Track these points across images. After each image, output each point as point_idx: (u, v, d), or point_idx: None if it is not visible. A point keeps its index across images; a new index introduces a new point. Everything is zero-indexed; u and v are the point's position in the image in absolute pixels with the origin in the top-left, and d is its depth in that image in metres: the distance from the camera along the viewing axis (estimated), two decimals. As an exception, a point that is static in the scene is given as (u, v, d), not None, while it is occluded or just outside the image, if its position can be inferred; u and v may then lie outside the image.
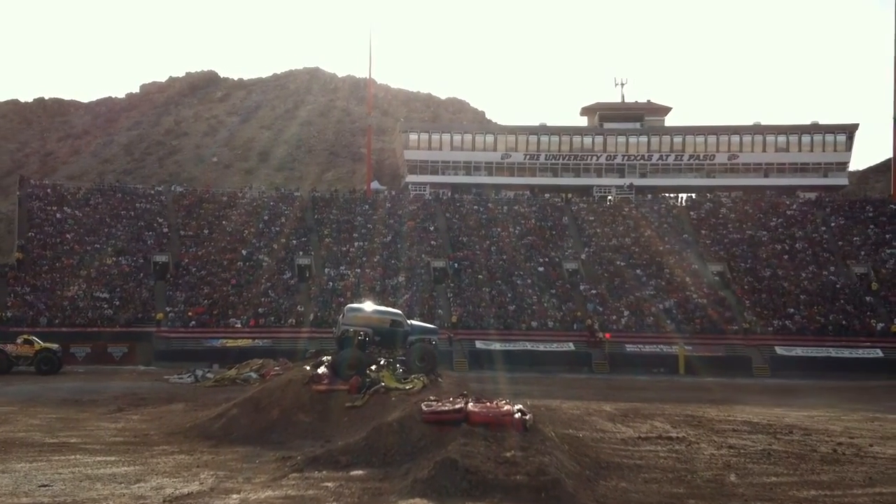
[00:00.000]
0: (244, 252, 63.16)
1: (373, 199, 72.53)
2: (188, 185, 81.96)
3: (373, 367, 24.92)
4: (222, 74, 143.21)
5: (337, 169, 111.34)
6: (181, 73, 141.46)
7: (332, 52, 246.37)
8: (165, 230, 65.60)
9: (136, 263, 61.23)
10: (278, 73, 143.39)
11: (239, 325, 55.76)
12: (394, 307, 56.69)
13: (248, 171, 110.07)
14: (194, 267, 61.39)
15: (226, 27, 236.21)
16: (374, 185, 79.48)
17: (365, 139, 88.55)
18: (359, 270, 61.84)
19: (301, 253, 64.19)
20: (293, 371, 26.53)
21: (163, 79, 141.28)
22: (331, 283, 60.28)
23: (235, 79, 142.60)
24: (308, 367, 25.41)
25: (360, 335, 26.68)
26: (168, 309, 56.64)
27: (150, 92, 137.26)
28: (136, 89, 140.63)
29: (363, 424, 20.00)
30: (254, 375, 38.81)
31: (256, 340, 54.04)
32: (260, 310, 57.00)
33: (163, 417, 26.92)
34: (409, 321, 28.93)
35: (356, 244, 65.17)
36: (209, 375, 42.32)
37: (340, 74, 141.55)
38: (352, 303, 36.53)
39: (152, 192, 71.75)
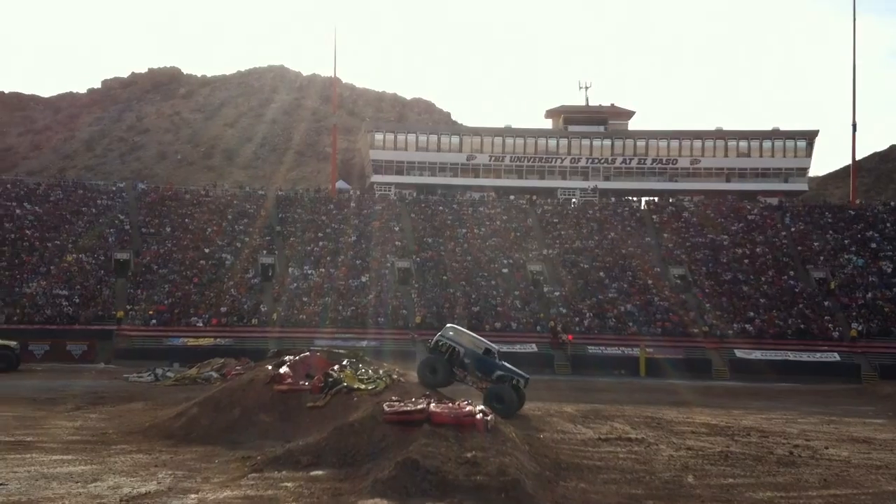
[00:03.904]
0: (207, 250, 62.69)
1: (338, 199, 72.33)
2: (151, 182, 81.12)
3: (336, 369, 24.89)
4: (186, 71, 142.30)
5: (302, 168, 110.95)
6: (144, 70, 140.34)
7: (297, 50, 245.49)
8: (127, 227, 64.92)
9: (96, 261, 60.54)
10: (243, 70, 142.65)
11: (201, 324, 55.34)
12: (361, 308, 56.92)
13: (212, 169, 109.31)
14: (156, 265, 60.83)
15: (190, 24, 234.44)
16: (340, 184, 79.26)
17: (330, 138, 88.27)
18: (323, 270, 61.63)
19: (265, 252, 63.85)
20: (255, 371, 26.44)
21: (125, 75, 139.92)
22: (295, 283, 60.01)
23: (199, 76, 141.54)
24: (270, 367, 25.34)
25: (453, 350, 27.86)
26: (129, 307, 56.04)
27: (113, 88, 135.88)
28: (97, 85, 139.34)
29: (325, 424, 19.96)
30: (215, 375, 38.62)
31: (218, 340, 53.66)
32: (222, 309, 56.61)
33: (122, 416, 26.69)
34: (503, 362, 29.33)
35: (321, 244, 64.95)
36: (169, 374, 42.01)
37: (306, 73, 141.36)
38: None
39: (114, 188, 70.95)
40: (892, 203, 75.51)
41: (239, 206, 69.09)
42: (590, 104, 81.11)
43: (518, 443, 18.68)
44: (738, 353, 55.46)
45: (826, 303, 60.58)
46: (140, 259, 61.38)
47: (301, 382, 23.80)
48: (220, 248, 63.50)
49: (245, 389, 23.88)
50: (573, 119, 78.96)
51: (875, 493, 17.96)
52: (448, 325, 31.24)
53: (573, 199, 74.65)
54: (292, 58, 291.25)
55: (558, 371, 53.06)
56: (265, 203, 70.09)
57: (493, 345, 30.13)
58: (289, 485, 15.95)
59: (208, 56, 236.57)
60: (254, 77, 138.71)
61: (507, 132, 77.22)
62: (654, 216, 71.58)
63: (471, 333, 31.46)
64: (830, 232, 68.30)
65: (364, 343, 51.18)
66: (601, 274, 63.06)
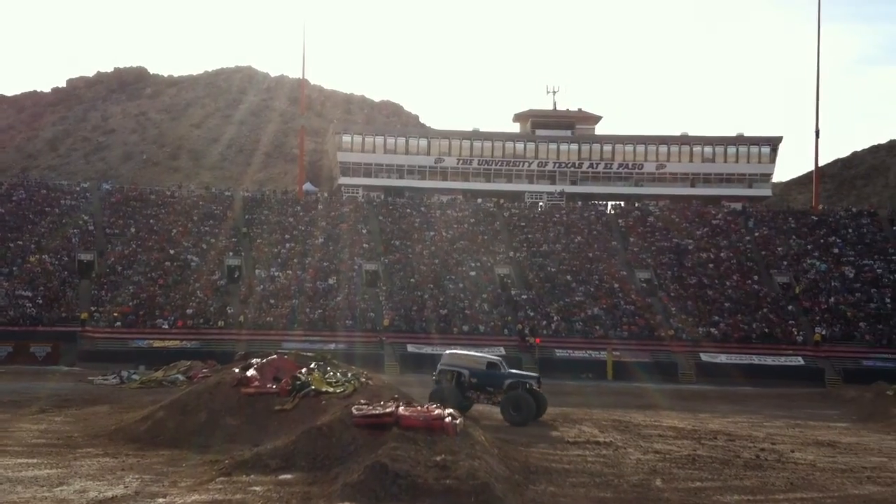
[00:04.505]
0: (172, 252, 62.14)
1: (305, 201, 72.01)
2: (115, 182, 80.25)
3: (304, 371, 24.78)
4: (153, 71, 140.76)
5: (269, 170, 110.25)
6: (110, 69, 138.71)
7: (265, 51, 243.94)
8: (91, 228, 64.17)
9: (60, 262, 59.80)
10: (210, 71, 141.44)
11: (166, 326, 54.85)
12: (328, 310, 56.72)
13: (178, 170, 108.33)
14: (121, 266, 60.19)
15: (157, 23, 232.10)
16: (307, 186, 78.92)
17: (298, 140, 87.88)
18: (290, 272, 61.33)
19: (231, 254, 63.42)
20: (222, 373, 26.26)
21: (91, 74, 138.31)
22: (262, 285, 59.66)
23: (166, 76, 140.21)
24: (237, 370, 25.18)
25: (457, 374, 28.29)
26: (93, 308, 55.41)
27: (78, 87, 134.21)
28: (62, 84, 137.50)
29: (293, 428, 19.89)
30: (181, 377, 38.40)
31: (184, 342, 53.24)
32: (188, 311, 56.15)
33: (87, 419, 26.41)
34: (508, 368, 29.70)
35: (287, 245, 64.62)
36: (135, 377, 41.69)
37: (274, 74, 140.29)
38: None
39: (78, 189, 70.09)
40: (854, 209, 76.63)
41: (205, 208, 68.56)
42: (557, 108, 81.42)
43: (488, 446, 18.71)
44: (704, 357, 55.93)
45: (790, 307, 61.29)
46: (104, 260, 60.70)
47: (269, 385, 23.69)
48: (186, 249, 62.96)
49: (212, 392, 23.72)
50: (541, 123, 79.24)
51: (840, 497, 18.22)
52: (445, 352, 31.42)
53: (540, 203, 74.91)
54: (261, 59, 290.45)
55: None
56: (232, 204, 69.63)
57: (493, 356, 30.42)
58: (257, 489, 15.87)
59: (176, 56, 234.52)
60: (221, 78, 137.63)
61: (475, 135, 77.33)
62: (621, 220, 72.04)
63: (469, 353, 31.97)
64: (794, 237, 69.11)
65: (332, 346, 51.09)
66: (568, 277, 63.33)
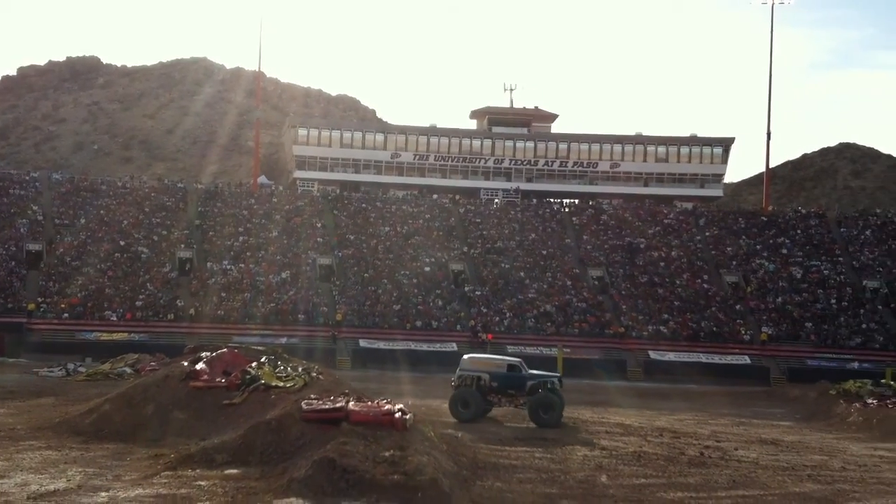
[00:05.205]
0: (123, 243, 61.33)
1: (260, 194, 71.49)
2: (66, 172, 78.93)
3: (254, 366, 24.64)
4: (105, 61, 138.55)
5: (224, 162, 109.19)
6: (62, 58, 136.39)
7: (222, 43, 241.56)
8: (40, 218, 63.06)
9: (7, 251, 58.75)
10: (165, 62, 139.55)
11: (115, 319, 54.18)
12: (281, 304, 56.41)
13: (131, 161, 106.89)
14: (70, 257, 59.30)
15: (112, 13, 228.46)
16: (262, 179, 78.30)
17: (253, 132, 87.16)
18: (243, 265, 60.88)
19: (183, 246, 62.75)
20: (170, 367, 26.03)
21: (42, 62, 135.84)
22: (213, 278, 59.14)
23: (119, 66, 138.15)
24: (186, 364, 24.96)
25: (478, 379, 27.95)
26: (41, 300, 54.58)
27: (28, 75, 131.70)
28: (12, 72, 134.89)
29: (241, 422, 19.78)
30: (128, 370, 38.02)
31: (133, 335, 52.63)
32: (138, 303, 55.52)
33: (31, 412, 26.05)
34: (529, 369, 29.37)
35: (241, 239, 64.08)
36: (81, 369, 41.25)
37: (230, 66, 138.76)
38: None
39: (27, 178, 68.86)
40: (803, 210, 78.02)
41: (157, 199, 67.73)
42: (514, 106, 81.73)
43: (436, 442, 18.80)
44: (653, 355, 56.62)
45: (738, 306, 62.23)
46: (53, 251, 59.74)
47: (217, 379, 23.52)
48: (137, 241, 62.19)
49: (159, 386, 23.50)
50: (497, 120, 79.47)
51: (781, 494, 18.57)
52: (463, 356, 31.11)
53: (496, 200, 75.16)
54: (217, 51, 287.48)
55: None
56: (185, 196, 68.89)
57: (513, 358, 30.40)
58: (203, 483, 15.78)
59: (130, 46, 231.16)
60: (176, 69, 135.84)
61: (432, 131, 77.32)
62: (574, 218, 72.54)
63: (488, 356, 31.88)
64: (743, 237, 70.10)
65: (283, 340, 50.78)
66: (522, 274, 63.65)
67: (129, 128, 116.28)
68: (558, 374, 30.71)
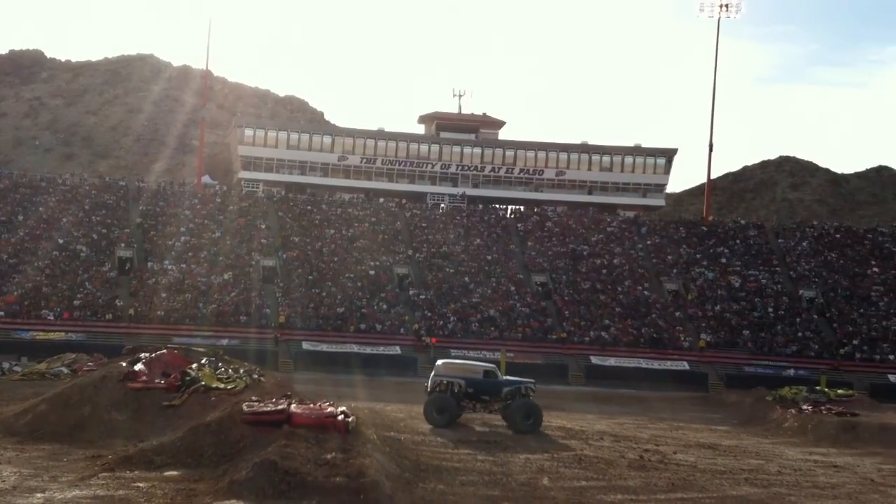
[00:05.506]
0: (61, 241, 60.16)
1: (203, 194, 70.65)
2: (5, 168, 77.19)
3: (194, 367, 24.39)
4: (49, 55, 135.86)
5: (167, 160, 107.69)
6: (4, 51, 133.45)
7: (169, 40, 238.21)
8: (-25, 214, 61.64)
9: (-61, 248, 57.31)
10: (111, 58, 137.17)
11: (52, 318, 53.14)
12: (223, 305, 55.81)
13: (72, 158, 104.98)
14: (5, 254, 57.99)
15: (57, 6, 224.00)
16: (206, 179, 77.41)
17: (198, 131, 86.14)
18: (184, 266, 60.11)
19: (123, 245, 61.73)
20: (108, 367, 25.64)
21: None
22: (154, 278, 58.30)
23: (63, 60, 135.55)
24: (124, 364, 24.62)
25: (452, 385, 27.78)
26: (-26, 298, 53.32)
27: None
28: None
29: (181, 424, 19.59)
30: (65, 370, 37.32)
31: (70, 334, 51.63)
32: (75, 302, 54.51)
33: (-37, 412, 25.38)
34: (503, 375, 29.40)
35: (182, 238, 63.24)
36: (17, 369, 40.52)
37: (176, 63, 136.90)
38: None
39: (-38, 172, 67.29)
40: (743, 221, 79.55)
41: (98, 197, 66.59)
42: (462, 112, 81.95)
43: (379, 444, 18.80)
44: (594, 360, 57.23)
45: (678, 314, 63.17)
46: (-12, 248, 58.38)
47: (156, 380, 23.26)
48: (76, 239, 61.08)
49: (97, 386, 23.14)
50: (445, 126, 79.63)
51: (719, 497, 18.92)
52: (437, 361, 30.91)
53: (442, 205, 75.29)
54: (164, 48, 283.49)
55: (422, 374, 53.19)
56: (126, 194, 67.82)
57: (488, 364, 30.31)
58: (141, 485, 15.58)
59: (75, 41, 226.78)
60: (122, 65, 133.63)
61: (380, 135, 77.20)
62: (519, 224, 72.96)
63: (462, 362, 31.63)
64: (684, 246, 71.18)
65: (224, 342, 50.25)
66: (466, 279, 63.84)
67: (72, 124, 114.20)
68: (533, 381, 30.68)
